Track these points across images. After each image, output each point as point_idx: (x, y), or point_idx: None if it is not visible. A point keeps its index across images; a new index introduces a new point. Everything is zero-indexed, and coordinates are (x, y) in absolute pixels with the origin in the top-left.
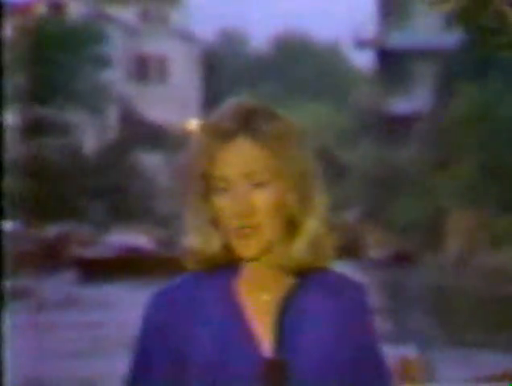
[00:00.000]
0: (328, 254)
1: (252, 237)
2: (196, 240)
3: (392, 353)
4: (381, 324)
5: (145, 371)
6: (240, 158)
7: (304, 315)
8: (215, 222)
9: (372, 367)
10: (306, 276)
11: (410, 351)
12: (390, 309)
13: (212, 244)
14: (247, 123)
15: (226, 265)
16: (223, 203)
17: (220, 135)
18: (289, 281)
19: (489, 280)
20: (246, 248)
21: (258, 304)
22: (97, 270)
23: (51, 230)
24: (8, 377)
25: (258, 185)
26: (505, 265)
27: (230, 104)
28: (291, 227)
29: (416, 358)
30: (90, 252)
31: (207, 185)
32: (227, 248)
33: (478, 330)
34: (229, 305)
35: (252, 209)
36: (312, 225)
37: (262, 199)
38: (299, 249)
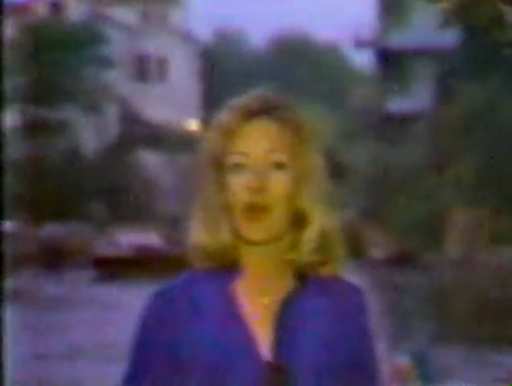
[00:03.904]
0: (337, 259)
1: (261, 220)
2: (204, 233)
3: (386, 362)
4: (381, 324)
5: (142, 372)
6: (263, 135)
7: (303, 318)
8: (225, 212)
9: (368, 369)
10: (305, 279)
11: (403, 360)
12: (391, 309)
13: (220, 237)
14: (271, 108)
15: (227, 266)
16: (238, 180)
17: (243, 114)
18: (288, 284)
19: (490, 279)
20: (255, 231)
21: (258, 307)
22: (111, 269)
23: (52, 230)
24: (8, 377)
25: (277, 165)
26: (506, 265)
27: (253, 92)
28: (300, 221)
29: (409, 367)
30: (103, 252)
31: (223, 165)
32: (235, 241)
33: (480, 329)
34: (228, 307)
35: (266, 187)
36: (321, 218)
37: (278, 180)
38: (306, 242)
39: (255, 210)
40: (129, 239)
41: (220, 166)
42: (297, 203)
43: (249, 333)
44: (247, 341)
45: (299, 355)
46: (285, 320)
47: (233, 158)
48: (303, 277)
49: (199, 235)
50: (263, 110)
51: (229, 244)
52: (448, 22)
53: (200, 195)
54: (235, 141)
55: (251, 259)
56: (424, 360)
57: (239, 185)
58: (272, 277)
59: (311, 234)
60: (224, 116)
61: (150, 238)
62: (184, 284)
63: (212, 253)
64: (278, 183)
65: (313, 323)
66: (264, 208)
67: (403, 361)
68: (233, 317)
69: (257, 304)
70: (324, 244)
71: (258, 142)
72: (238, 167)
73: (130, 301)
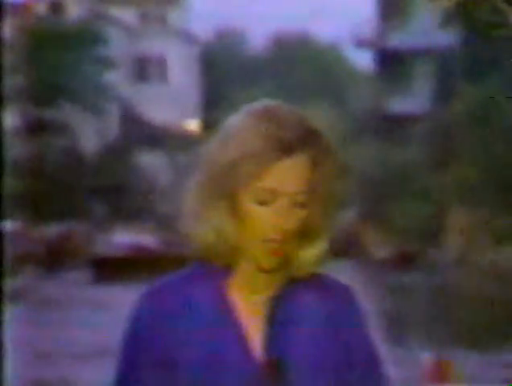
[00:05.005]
0: (324, 260)
1: (278, 253)
2: (209, 231)
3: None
4: (381, 324)
5: (133, 374)
6: (294, 175)
7: (294, 315)
8: (232, 218)
9: (362, 367)
10: (296, 277)
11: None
12: (391, 309)
13: (226, 238)
14: (307, 140)
15: (218, 264)
16: (262, 214)
17: (281, 147)
18: (279, 283)
19: (490, 279)
20: (270, 262)
21: (249, 304)
22: (107, 270)
23: (52, 230)
24: (8, 377)
25: (300, 205)
26: (506, 265)
27: (288, 112)
28: (304, 239)
29: (449, 366)
30: (99, 252)
31: (244, 191)
32: (237, 243)
33: (480, 330)
34: (219, 306)
35: (290, 225)
36: (325, 241)
37: (298, 219)
38: (309, 262)
39: (274, 243)
40: (125, 239)
41: (239, 191)
42: (307, 226)
43: (240, 330)
44: (239, 338)
45: (290, 352)
46: (276, 317)
47: (260, 192)
48: (293, 275)
49: (202, 232)
50: (300, 144)
51: (233, 246)
52: (447, 21)
53: (207, 199)
54: (266, 175)
55: (244, 258)
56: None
57: (263, 219)
58: (263, 275)
59: (312, 255)
60: (259, 144)
61: (146, 238)
62: (174, 283)
63: (216, 253)
64: (299, 220)
65: (304, 320)
66: (282, 242)
67: (443, 359)
68: (224, 315)
69: (248, 301)
70: (320, 260)
71: (288, 182)
72: (263, 201)
73: (128, 302)
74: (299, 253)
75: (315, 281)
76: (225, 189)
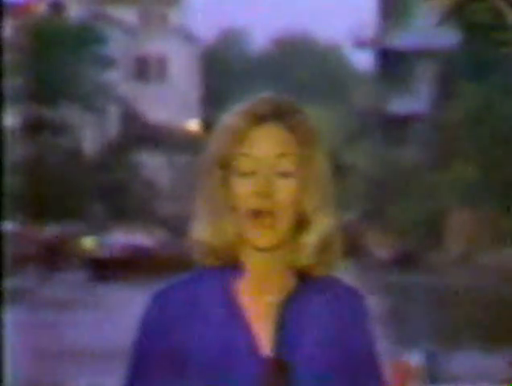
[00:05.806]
0: (335, 259)
1: (267, 226)
2: (208, 230)
3: (395, 358)
4: (382, 324)
5: (144, 373)
6: (271, 140)
7: (305, 317)
8: (230, 211)
9: (368, 370)
10: (307, 280)
11: (413, 358)
12: (392, 309)
13: (225, 235)
14: (280, 113)
15: (229, 265)
16: (244, 185)
17: (252, 118)
18: (289, 284)
19: (491, 279)
20: (262, 237)
21: (259, 305)
22: (106, 270)
23: (52, 230)
24: (8, 377)
25: (283, 174)
26: (507, 265)
27: (261, 96)
28: (303, 224)
29: (418, 366)
30: (97, 252)
31: (229, 167)
32: (239, 240)
33: (480, 330)
34: (229, 305)
35: (273, 194)
36: (323, 224)
37: (284, 188)
38: (308, 245)
39: (261, 215)
40: (124, 239)
41: (225, 168)
42: (301, 207)
43: (250, 331)
44: (248, 339)
45: (299, 354)
46: (286, 319)
47: (240, 162)
48: (303, 276)
49: (203, 232)
50: (272, 115)
51: (232, 243)
52: (445, 20)
53: (204, 193)
54: (243, 144)
55: (253, 259)
56: (436, 360)
57: (245, 189)
58: (273, 277)
59: (311, 239)
60: (232, 119)
61: (145, 239)
62: (185, 284)
63: (215, 251)
64: (284, 190)
65: (314, 322)
66: (269, 214)
67: (414, 360)
68: (234, 315)
69: (258, 303)
70: (323, 248)
71: (265, 148)
72: (245, 171)
73: (127, 302)
74: (299, 242)
75: (325, 284)
76: (217, 175)
